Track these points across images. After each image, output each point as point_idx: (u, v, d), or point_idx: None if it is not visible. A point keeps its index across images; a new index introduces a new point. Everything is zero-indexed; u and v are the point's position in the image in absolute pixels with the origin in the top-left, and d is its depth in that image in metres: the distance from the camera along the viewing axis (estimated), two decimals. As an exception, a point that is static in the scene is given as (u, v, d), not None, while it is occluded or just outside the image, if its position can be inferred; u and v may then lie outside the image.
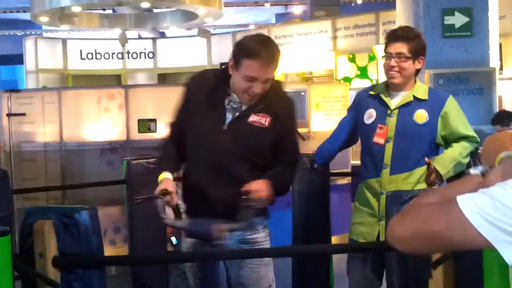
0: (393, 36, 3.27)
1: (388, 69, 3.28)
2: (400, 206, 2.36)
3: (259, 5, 18.04)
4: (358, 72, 10.92)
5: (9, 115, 6.76)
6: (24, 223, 2.34)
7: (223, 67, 2.88)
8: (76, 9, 10.84)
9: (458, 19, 5.69)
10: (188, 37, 14.32)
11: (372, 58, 10.66)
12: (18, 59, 16.35)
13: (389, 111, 3.30)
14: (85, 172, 6.62)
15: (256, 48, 2.68)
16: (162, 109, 6.83)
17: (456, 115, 3.34)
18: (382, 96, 3.33)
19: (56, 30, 16.87)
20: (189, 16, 12.17)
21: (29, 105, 6.84)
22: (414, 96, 3.30)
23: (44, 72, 12.99)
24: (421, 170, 3.31)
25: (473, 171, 1.52)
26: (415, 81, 3.36)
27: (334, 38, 11.26)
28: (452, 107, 3.33)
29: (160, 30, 15.63)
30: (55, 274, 2.28)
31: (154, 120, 6.60)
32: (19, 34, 19.68)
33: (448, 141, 3.35)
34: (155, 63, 13.65)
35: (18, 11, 18.19)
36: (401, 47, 3.22)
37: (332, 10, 13.65)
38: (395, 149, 3.27)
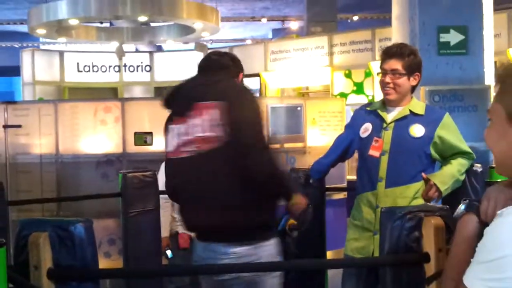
0: (388, 53, 3.30)
1: (383, 85, 3.31)
2: (394, 222, 2.37)
3: (256, 20, 18.12)
4: (354, 88, 10.96)
5: (5, 126, 6.77)
6: (19, 235, 2.34)
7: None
8: (74, 22, 10.87)
9: (454, 37, 5.73)
10: (185, 51, 14.37)
11: (368, 74, 10.71)
12: (15, 70, 16.38)
13: (385, 125, 3.31)
14: (81, 185, 6.63)
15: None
16: (158, 122, 6.78)
17: (452, 132, 3.36)
18: (379, 111, 3.36)
19: (54, 42, 16.91)
20: (186, 30, 12.23)
21: (26, 117, 6.85)
22: (410, 111, 3.31)
23: (41, 84, 13.01)
24: (418, 185, 3.30)
25: (460, 210, 1.56)
26: (411, 98, 3.37)
27: (331, 54, 11.32)
28: (448, 123, 3.35)
29: (157, 44, 15.68)
30: (49, 286, 2.28)
31: (150, 133, 6.62)
32: (16, 46, 19.71)
33: (445, 157, 3.35)
34: (152, 76, 13.68)
35: (15, 23, 18.22)
36: (396, 64, 3.24)
37: (328, 26, 13.74)
38: (390, 162, 3.26)
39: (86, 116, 6.79)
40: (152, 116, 6.87)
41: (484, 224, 1.46)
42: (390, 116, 3.34)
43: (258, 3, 16.70)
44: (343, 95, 10.87)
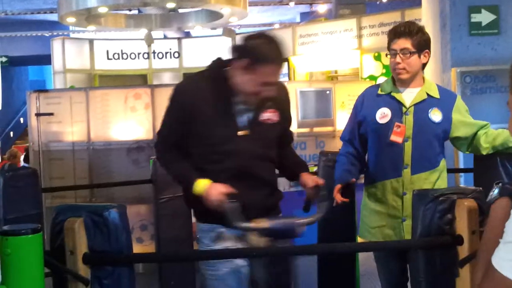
0: (396, 33, 3.26)
1: (394, 66, 3.26)
2: (427, 205, 2.36)
3: (283, 4, 18.02)
4: (384, 71, 10.86)
5: (37, 114, 6.86)
6: (55, 221, 2.39)
7: (211, 67, 2.85)
8: (103, 9, 10.94)
9: (485, 17, 5.64)
10: (213, 36, 14.38)
11: (397, 56, 10.60)
12: (46, 59, 16.57)
13: (404, 109, 3.26)
14: (113, 171, 6.70)
15: (273, 54, 2.68)
16: (188, 108, 6.86)
17: (467, 112, 3.37)
18: (394, 94, 3.29)
19: (83, 30, 17.05)
20: (214, 15, 12.22)
21: (57, 105, 6.93)
22: (427, 94, 3.29)
23: (71, 72, 13.15)
24: (440, 169, 3.33)
25: (493, 195, 1.55)
26: (422, 77, 3.34)
27: (359, 36, 11.22)
28: (462, 105, 3.36)
29: (186, 30, 15.71)
30: (85, 270, 2.32)
31: (180, 119, 6.64)
32: (46, 35, 19.92)
33: (466, 136, 3.34)
34: (181, 62, 13.74)
35: (45, 12, 18.40)
36: (405, 43, 3.21)
37: (357, 8, 13.61)
38: (414, 148, 3.24)
39: (117, 103, 6.84)
40: (181, 102, 6.88)
41: None
42: (407, 99, 3.28)
43: (285, -13, 16.63)
44: (373, 78, 10.77)
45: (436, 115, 3.26)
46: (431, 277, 2.38)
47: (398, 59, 3.22)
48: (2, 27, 16.17)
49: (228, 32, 13.13)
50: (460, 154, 5.46)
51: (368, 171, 3.43)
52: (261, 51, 2.66)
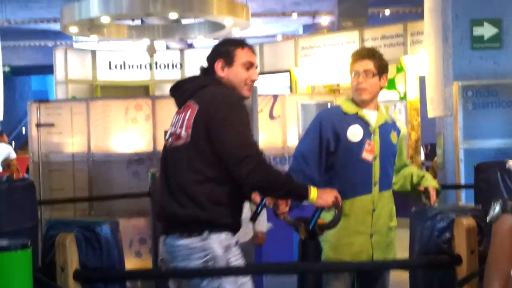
0: (360, 55, 3.48)
1: (356, 86, 3.43)
2: (425, 223, 2.32)
3: (286, 16, 18.03)
4: (386, 84, 10.83)
5: (38, 125, 6.84)
6: (46, 235, 2.36)
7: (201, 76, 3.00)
8: (105, 19, 10.95)
9: (487, 30, 5.62)
10: (215, 47, 14.36)
11: (400, 69, 10.57)
12: (48, 69, 16.59)
13: (371, 129, 3.39)
14: (112, 183, 6.67)
15: (241, 40, 2.97)
16: (188, 120, 6.84)
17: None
18: (361, 114, 3.41)
19: (86, 40, 17.07)
20: (216, 26, 12.23)
21: (58, 116, 6.91)
22: (385, 118, 3.48)
23: (73, 82, 13.14)
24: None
25: (494, 213, 1.51)
26: (377, 102, 3.52)
27: (362, 49, 11.19)
28: (403, 135, 3.60)
29: (188, 41, 15.73)
30: (76, 287, 2.28)
31: (180, 131, 6.61)
32: (49, 44, 19.95)
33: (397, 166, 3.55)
34: (183, 73, 13.72)
35: (48, 22, 18.43)
36: (368, 64, 3.41)
37: (359, 21, 13.60)
38: (381, 166, 3.37)
39: (118, 114, 6.81)
40: (182, 114, 6.85)
41: None
42: (371, 120, 3.42)
43: (288, -2, 16.65)
44: (375, 90, 10.72)
45: (394, 137, 3.46)
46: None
47: (360, 79, 3.40)
48: (5, 36, 16.18)
49: (231, 43, 13.11)
50: (462, 170, 5.42)
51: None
52: (226, 43, 2.95)
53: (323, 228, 3.02)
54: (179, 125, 2.88)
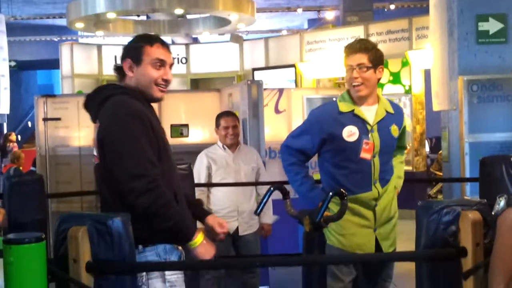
0: (352, 49, 3.39)
1: (351, 81, 3.36)
2: (431, 217, 2.35)
3: (291, 11, 18.03)
4: (391, 78, 10.85)
5: (45, 119, 6.88)
6: (58, 229, 2.39)
7: (121, 88, 2.69)
8: (111, 15, 10.99)
9: (493, 25, 5.62)
10: (220, 42, 14.39)
11: (405, 63, 10.59)
12: (54, 64, 16.62)
13: (369, 127, 3.36)
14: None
15: (152, 35, 2.74)
16: (194, 114, 6.88)
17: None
18: (357, 112, 3.37)
19: (92, 35, 17.10)
20: (222, 22, 12.25)
21: (65, 110, 6.95)
22: (385, 110, 3.42)
23: (79, 77, 13.18)
24: (394, 178, 3.48)
25: (499, 207, 1.54)
26: (377, 93, 3.48)
27: (367, 43, 11.19)
28: (406, 121, 3.61)
29: (193, 36, 15.74)
30: (88, 279, 2.32)
31: (186, 125, 6.65)
32: (55, 39, 20.00)
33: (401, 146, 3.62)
34: (188, 68, 13.74)
35: (54, 17, 18.48)
36: (361, 58, 3.34)
37: (364, 16, 13.60)
38: (381, 163, 3.37)
39: (124, 108, 6.83)
40: (188, 108, 6.90)
41: None
42: (369, 117, 3.37)
43: (293, -7, 16.65)
44: (380, 85, 10.72)
45: (395, 131, 3.43)
46: (435, 288, 2.38)
47: (355, 73, 3.33)
48: (11, 32, 16.21)
49: (236, 38, 13.15)
50: (467, 163, 5.45)
51: (338, 186, 3.42)
52: (135, 40, 2.74)
53: (328, 220, 3.07)
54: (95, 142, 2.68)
